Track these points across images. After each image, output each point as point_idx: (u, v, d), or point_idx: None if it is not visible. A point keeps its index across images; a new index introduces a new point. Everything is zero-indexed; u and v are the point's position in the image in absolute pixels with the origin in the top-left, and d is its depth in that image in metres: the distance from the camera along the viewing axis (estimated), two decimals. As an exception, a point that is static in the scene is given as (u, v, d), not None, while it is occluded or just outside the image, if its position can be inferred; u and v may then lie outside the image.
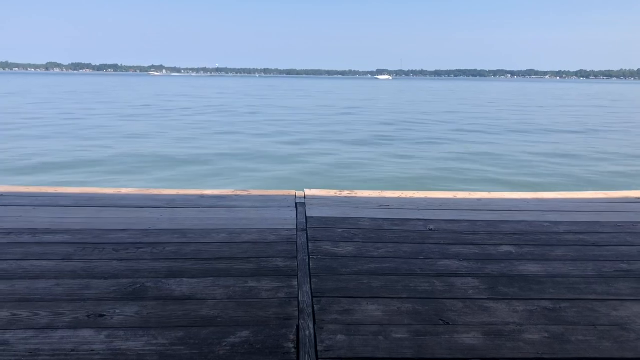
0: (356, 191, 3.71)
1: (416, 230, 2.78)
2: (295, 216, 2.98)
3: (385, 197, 3.53)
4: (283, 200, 3.35)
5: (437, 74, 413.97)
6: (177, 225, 2.77)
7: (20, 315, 1.74)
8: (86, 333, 1.63)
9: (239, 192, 3.60)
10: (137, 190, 3.64)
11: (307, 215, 3.00)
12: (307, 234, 2.67)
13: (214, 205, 3.23)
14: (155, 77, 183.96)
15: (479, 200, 3.52)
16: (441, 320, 1.77)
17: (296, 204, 3.27)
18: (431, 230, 2.79)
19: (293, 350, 1.57)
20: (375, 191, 3.76)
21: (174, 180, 8.14)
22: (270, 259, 2.30)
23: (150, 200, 3.34)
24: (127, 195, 3.45)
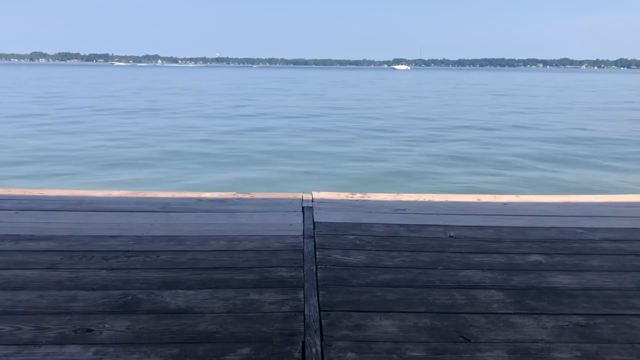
0: (369, 194, 3.72)
1: (435, 238, 2.78)
2: (301, 221, 3.00)
3: (401, 201, 3.54)
4: (288, 204, 3.37)
5: (461, 63, 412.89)
6: (172, 232, 2.79)
7: (2, 329, 1.77)
8: (72, 349, 1.65)
9: (240, 195, 3.63)
10: (128, 192, 3.67)
11: (315, 220, 3.02)
12: (314, 241, 2.68)
13: (212, 209, 3.26)
14: (119, 67, 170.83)
15: (505, 204, 3.51)
16: (462, 337, 1.77)
17: (303, 208, 3.28)
18: (452, 237, 2.79)
19: (298, 369, 1.58)
20: (390, 194, 3.77)
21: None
22: (274, 268, 2.32)
23: (143, 203, 3.37)
24: (118, 199, 3.49)
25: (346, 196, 3.63)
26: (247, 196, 3.61)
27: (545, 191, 7.45)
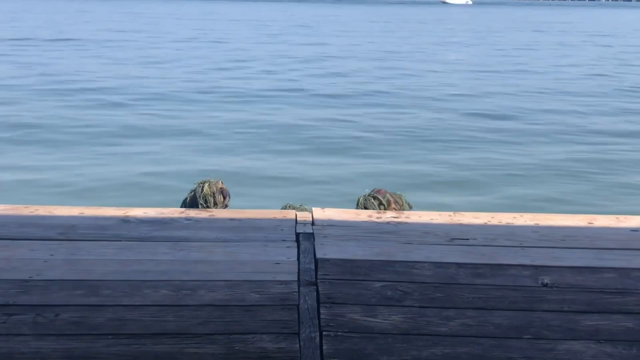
0: (408, 212, 3.72)
1: (519, 286, 2.79)
2: (295, 257, 3.00)
3: (460, 224, 3.53)
4: (274, 228, 3.37)
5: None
6: (81, 273, 2.80)
7: None
8: None
9: (193, 213, 3.61)
10: (8, 207, 3.67)
11: (318, 255, 3.02)
12: (317, 290, 2.69)
13: (147, 236, 3.26)
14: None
15: (634, 231, 3.51)
16: None
17: (298, 234, 3.29)
18: (546, 285, 2.80)
19: None
20: (442, 213, 3.75)
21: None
22: (251, 336, 2.33)
23: (31, 225, 3.37)
24: None
25: (369, 216, 3.63)
26: (205, 215, 3.60)
27: None
